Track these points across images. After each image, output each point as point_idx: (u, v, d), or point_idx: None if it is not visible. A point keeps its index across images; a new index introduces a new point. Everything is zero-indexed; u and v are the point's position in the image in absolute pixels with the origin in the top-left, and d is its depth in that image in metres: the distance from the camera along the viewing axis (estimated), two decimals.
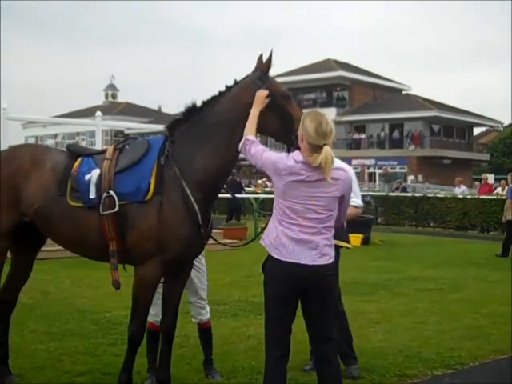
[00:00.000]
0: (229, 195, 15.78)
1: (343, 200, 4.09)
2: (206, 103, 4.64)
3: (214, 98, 4.63)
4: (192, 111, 4.66)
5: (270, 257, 4.03)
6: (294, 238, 3.93)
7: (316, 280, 3.97)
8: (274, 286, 4.00)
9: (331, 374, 4.10)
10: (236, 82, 4.62)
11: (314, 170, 3.89)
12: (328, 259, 3.99)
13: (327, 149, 3.85)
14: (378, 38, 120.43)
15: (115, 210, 4.49)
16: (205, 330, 5.58)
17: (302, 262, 3.91)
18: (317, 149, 3.86)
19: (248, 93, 4.44)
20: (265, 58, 4.51)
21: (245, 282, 10.37)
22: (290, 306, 4.02)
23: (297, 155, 3.96)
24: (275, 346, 4.05)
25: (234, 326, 7.30)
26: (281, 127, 4.40)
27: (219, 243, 5.36)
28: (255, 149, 4.12)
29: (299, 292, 4.00)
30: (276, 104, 4.38)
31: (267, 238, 4.06)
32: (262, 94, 4.33)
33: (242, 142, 4.21)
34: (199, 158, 4.54)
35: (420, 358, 6.10)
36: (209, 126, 4.54)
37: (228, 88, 4.61)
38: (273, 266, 4.00)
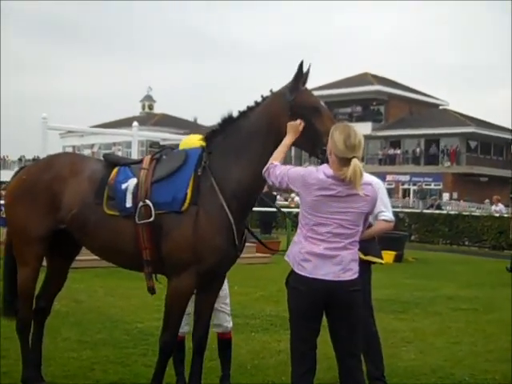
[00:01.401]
0: (261, 208, 15.87)
1: (367, 217, 4.09)
2: (241, 114, 4.66)
3: (249, 109, 4.64)
4: (227, 122, 4.69)
5: (293, 272, 4.01)
6: (317, 253, 3.90)
7: (340, 296, 3.94)
8: (298, 301, 3.99)
9: (353, 374, 4.06)
10: (272, 93, 4.63)
11: (344, 184, 3.86)
12: (352, 274, 3.96)
13: (356, 161, 3.82)
14: (417, 51, 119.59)
15: (151, 219, 4.52)
16: (226, 342, 5.44)
17: (326, 278, 3.89)
18: (345, 162, 3.83)
19: (277, 103, 4.45)
20: (305, 69, 4.46)
21: (276, 297, 10.28)
22: (314, 321, 4.01)
23: (326, 169, 3.91)
24: (300, 362, 4.03)
25: (264, 340, 7.29)
26: (306, 140, 4.32)
27: (260, 242, 5.47)
28: (279, 169, 4.09)
29: (322, 307, 3.98)
30: (301, 117, 4.31)
31: (291, 254, 4.05)
32: (294, 124, 4.27)
33: (265, 167, 4.17)
34: (234, 168, 4.55)
35: (453, 379, 6.01)
36: (243, 136, 4.55)
37: (263, 98, 4.62)
38: (296, 282, 3.98)
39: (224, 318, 5.38)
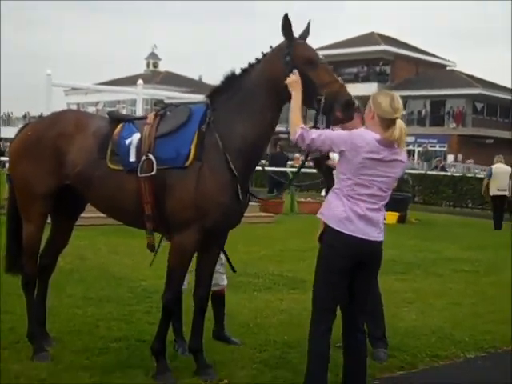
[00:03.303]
0: (271, 168, 15.92)
1: None
2: (243, 71, 4.65)
3: (250, 66, 4.63)
4: (230, 79, 4.67)
5: (332, 230, 4.08)
6: (359, 213, 4.04)
7: (375, 255, 4.18)
8: (335, 258, 4.08)
9: (362, 345, 4.29)
10: (272, 49, 4.61)
11: (389, 150, 4.01)
12: (383, 235, 4.17)
13: (400, 122, 4.00)
14: (427, 11, 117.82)
15: (153, 173, 4.52)
16: (221, 297, 5.65)
17: (368, 238, 4.05)
18: (389, 123, 3.99)
19: (275, 58, 4.46)
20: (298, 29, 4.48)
21: (279, 257, 10.40)
22: (346, 278, 4.13)
23: (373, 133, 4.03)
24: (323, 318, 4.15)
25: (267, 299, 7.34)
26: (303, 93, 4.30)
27: (257, 198, 5.39)
28: (316, 133, 4.12)
29: (355, 265, 4.10)
30: (298, 69, 4.33)
31: (328, 212, 4.13)
32: (292, 80, 4.30)
33: (294, 132, 4.15)
34: (238, 125, 4.55)
35: (453, 339, 6.07)
36: (246, 93, 4.55)
37: (264, 55, 4.61)
38: (336, 239, 4.07)
39: (220, 277, 5.52)
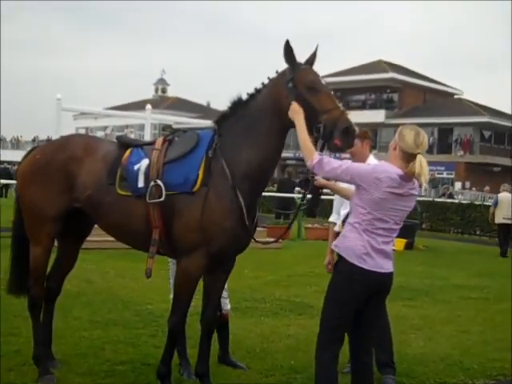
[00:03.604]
0: (278, 194, 15.88)
1: None
2: (250, 96, 4.67)
3: (257, 91, 4.66)
4: (237, 105, 4.70)
5: (349, 264, 4.06)
6: (377, 248, 4.06)
7: (388, 285, 4.21)
8: (354, 288, 4.07)
9: (368, 370, 4.28)
10: (277, 74, 4.62)
11: (408, 184, 4.04)
12: (392, 265, 4.20)
13: (421, 157, 4.02)
14: (431, 39, 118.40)
15: (162, 199, 4.54)
16: (224, 322, 5.61)
17: (383, 271, 4.08)
18: (410, 157, 4.02)
19: (279, 83, 4.48)
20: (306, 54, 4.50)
21: (286, 282, 10.36)
22: (356, 309, 4.13)
23: (394, 168, 4.04)
24: (334, 344, 4.14)
25: (274, 324, 7.30)
26: (305, 118, 4.25)
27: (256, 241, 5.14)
28: (336, 162, 4.08)
29: (370, 295, 4.11)
30: (299, 96, 4.33)
31: (344, 245, 4.12)
32: (293, 108, 4.29)
33: (311, 159, 4.08)
34: (244, 150, 4.57)
35: (461, 366, 6.01)
36: (252, 118, 4.57)
37: (270, 80, 4.63)
38: (354, 273, 4.05)
39: (223, 302, 5.49)
